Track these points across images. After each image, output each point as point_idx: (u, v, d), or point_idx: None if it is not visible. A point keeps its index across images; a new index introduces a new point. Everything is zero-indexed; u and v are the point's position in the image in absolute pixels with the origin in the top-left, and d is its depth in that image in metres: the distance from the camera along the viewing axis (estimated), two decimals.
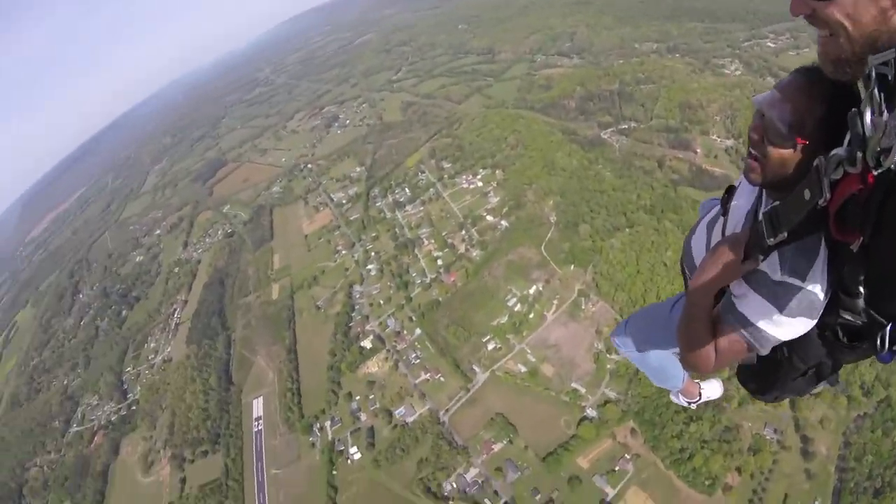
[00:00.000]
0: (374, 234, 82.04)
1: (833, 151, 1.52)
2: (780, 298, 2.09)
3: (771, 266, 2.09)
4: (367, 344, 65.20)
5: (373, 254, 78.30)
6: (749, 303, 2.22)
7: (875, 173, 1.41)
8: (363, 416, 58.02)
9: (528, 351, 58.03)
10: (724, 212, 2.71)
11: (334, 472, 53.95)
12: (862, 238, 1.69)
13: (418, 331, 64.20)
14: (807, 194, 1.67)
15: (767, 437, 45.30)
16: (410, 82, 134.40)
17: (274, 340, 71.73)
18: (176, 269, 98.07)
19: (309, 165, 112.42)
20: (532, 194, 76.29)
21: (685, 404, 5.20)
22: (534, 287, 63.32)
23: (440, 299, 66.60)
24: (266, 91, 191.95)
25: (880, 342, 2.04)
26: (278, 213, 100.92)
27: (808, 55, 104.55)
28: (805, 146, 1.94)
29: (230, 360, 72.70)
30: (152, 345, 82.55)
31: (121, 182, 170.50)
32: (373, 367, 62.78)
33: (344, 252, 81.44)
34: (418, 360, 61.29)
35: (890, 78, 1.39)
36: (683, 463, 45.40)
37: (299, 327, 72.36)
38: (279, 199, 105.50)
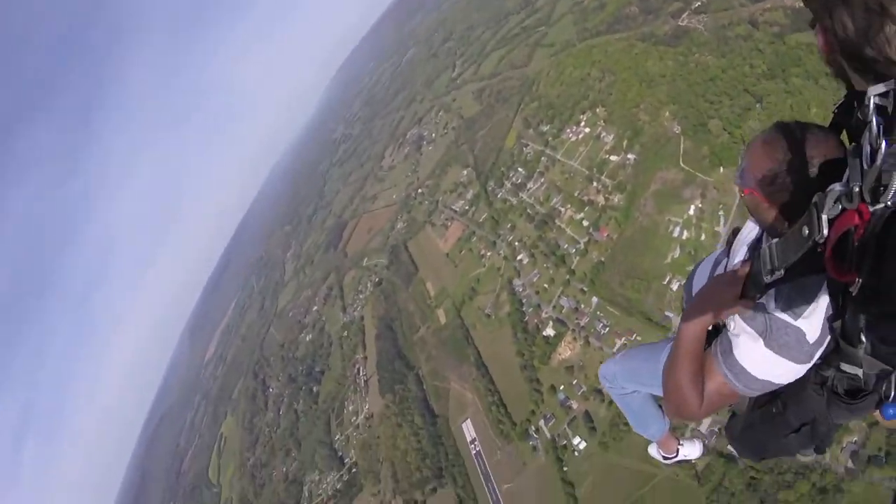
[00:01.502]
0: (509, 225, 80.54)
1: (830, 187, 1.48)
2: (768, 334, 2.01)
3: (766, 302, 2.02)
4: (549, 332, 63.82)
5: (517, 243, 76.72)
6: (739, 341, 2.12)
7: (871, 209, 1.38)
8: (574, 404, 56.65)
9: None
10: (728, 250, 2.69)
11: (565, 469, 53.33)
12: (859, 279, 1.55)
13: (595, 299, 61.79)
14: (805, 231, 1.59)
15: None
16: (470, 71, 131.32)
17: (459, 362, 72.51)
18: (345, 333, 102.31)
19: (419, 190, 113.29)
20: (644, 114, 71.21)
21: (660, 459, 4.83)
22: (692, 207, 58.92)
23: (602, 259, 63.92)
24: (349, 146, 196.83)
25: (886, 390, 1.90)
26: (412, 245, 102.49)
27: None
28: (750, 197, 2.05)
29: (426, 396, 74.46)
30: (350, 407, 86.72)
31: (264, 280, 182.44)
32: (564, 352, 61.30)
33: (489, 254, 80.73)
34: (607, 329, 58.69)
35: (889, 110, 1.36)
36: None
37: (478, 341, 72.36)
38: (407, 232, 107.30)
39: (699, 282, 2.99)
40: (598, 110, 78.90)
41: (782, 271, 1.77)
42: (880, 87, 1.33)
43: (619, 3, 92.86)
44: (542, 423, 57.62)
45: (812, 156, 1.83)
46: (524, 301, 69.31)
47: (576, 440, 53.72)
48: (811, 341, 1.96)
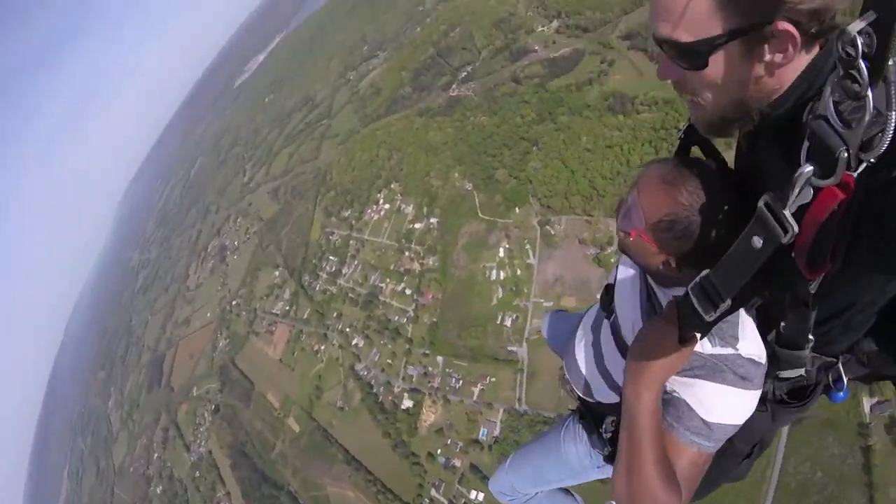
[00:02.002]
0: (335, 314, 77.66)
1: (799, 171, 1.19)
2: (723, 373, 1.73)
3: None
4: (407, 403, 61.95)
5: (348, 329, 74.00)
6: (696, 396, 1.77)
7: (856, 174, 1.16)
8: (457, 462, 55.09)
9: (541, 300, 56.55)
10: (609, 312, 2.32)
11: None
12: (830, 266, 1.36)
13: (440, 358, 61.32)
14: (756, 243, 1.29)
15: None
16: (262, 173, 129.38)
17: (329, 464, 67.37)
18: (197, 474, 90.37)
19: (234, 302, 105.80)
20: (436, 180, 74.46)
21: None
22: (501, 249, 61.93)
23: (434, 320, 64.02)
24: (149, 272, 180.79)
25: (833, 378, 1.85)
26: (241, 360, 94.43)
27: None
28: (638, 240, 1.78)
29: None
30: None
31: (92, 438, 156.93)
32: (428, 417, 59.65)
33: (323, 348, 76.76)
34: (460, 382, 58.45)
35: (864, 50, 1.05)
36: None
37: (340, 437, 67.92)
38: (232, 349, 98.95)
39: (581, 352, 2.53)
40: (393, 186, 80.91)
41: (728, 302, 1.44)
42: (860, 24, 1.06)
43: (393, 87, 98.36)
44: (433, 492, 54.95)
45: (724, 200, 1.60)
46: (372, 383, 66.69)
47: (472, 494, 52.20)
48: (763, 361, 1.74)
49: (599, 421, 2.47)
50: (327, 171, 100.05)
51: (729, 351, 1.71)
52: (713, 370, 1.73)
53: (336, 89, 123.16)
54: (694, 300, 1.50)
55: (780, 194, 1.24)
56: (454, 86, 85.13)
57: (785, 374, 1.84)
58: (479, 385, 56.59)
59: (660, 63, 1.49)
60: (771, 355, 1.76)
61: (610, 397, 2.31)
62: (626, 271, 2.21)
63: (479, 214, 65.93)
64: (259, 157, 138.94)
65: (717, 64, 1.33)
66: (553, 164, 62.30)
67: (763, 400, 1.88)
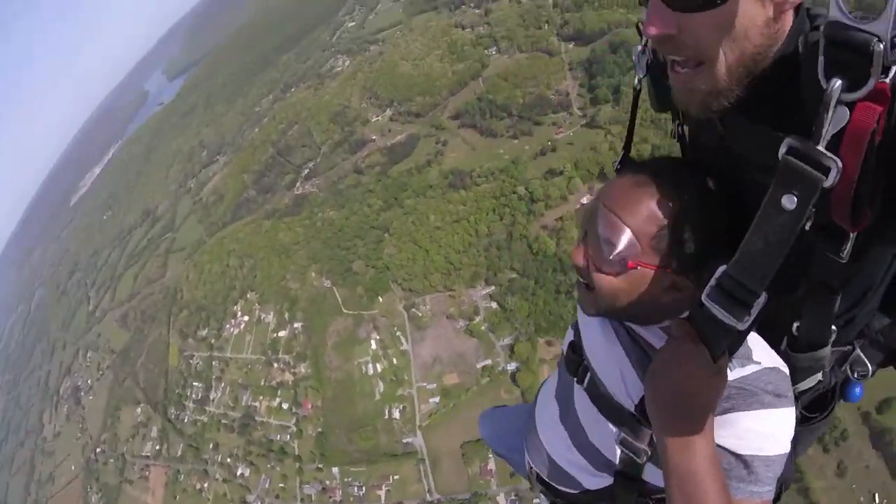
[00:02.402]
0: (212, 446, 70.38)
1: (828, 88, 0.99)
2: (755, 397, 1.38)
3: None
4: None
5: (229, 459, 67.36)
6: (734, 435, 1.36)
7: (889, 79, 0.98)
8: None
9: (424, 384, 55.89)
10: (580, 375, 1.79)
11: None
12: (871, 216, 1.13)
13: (335, 469, 57.55)
14: (788, 202, 1.06)
15: None
16: (107, 299, 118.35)
17: None
18: None
19: (98, 450, 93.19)
20: (293, 282, 71.84)
21: None
22: (372, 342, 60.40)
23: (320, 430, 60.27)
24: None
25: (849, 370, 1.64)
26: None
27: (387, 9, 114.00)
28: (640, 271, 1.39)
29: None
30: None
31: None
32: None
33: (206, 485, 69.02)
34: (363, 489, 55.24)
35: None
36: None
37: None
38: (107, 500, 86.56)
39: (550, 432, 1.98)
40: (249, 296, 76.86)
41: (763, 296, 1.15)
42: None
43: (236, 192, 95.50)
44: None
45: (703, 182, 1.41)
46: None
47: None
48: (786, 369, 1.43)
49: None
50: (177, 288, 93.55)
51: (752, 369, 1.37)
52: (745, 397, 1.36)
53: (177, 199, 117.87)
54: (715, 309, 1.20)
55: (802, 136, 1.05)
56: (298, 184, 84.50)
57: (802, 385, 1.57)
58: (383, 487, 53.93)
59: (650, 16, 1.20)
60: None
61: (599, 481, 1.81)
62: (591, 320, 1.74)
63: (344, 310, 63.98)
64: (102, 281, 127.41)
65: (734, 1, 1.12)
66: (407, 247, 62.50)
67: None
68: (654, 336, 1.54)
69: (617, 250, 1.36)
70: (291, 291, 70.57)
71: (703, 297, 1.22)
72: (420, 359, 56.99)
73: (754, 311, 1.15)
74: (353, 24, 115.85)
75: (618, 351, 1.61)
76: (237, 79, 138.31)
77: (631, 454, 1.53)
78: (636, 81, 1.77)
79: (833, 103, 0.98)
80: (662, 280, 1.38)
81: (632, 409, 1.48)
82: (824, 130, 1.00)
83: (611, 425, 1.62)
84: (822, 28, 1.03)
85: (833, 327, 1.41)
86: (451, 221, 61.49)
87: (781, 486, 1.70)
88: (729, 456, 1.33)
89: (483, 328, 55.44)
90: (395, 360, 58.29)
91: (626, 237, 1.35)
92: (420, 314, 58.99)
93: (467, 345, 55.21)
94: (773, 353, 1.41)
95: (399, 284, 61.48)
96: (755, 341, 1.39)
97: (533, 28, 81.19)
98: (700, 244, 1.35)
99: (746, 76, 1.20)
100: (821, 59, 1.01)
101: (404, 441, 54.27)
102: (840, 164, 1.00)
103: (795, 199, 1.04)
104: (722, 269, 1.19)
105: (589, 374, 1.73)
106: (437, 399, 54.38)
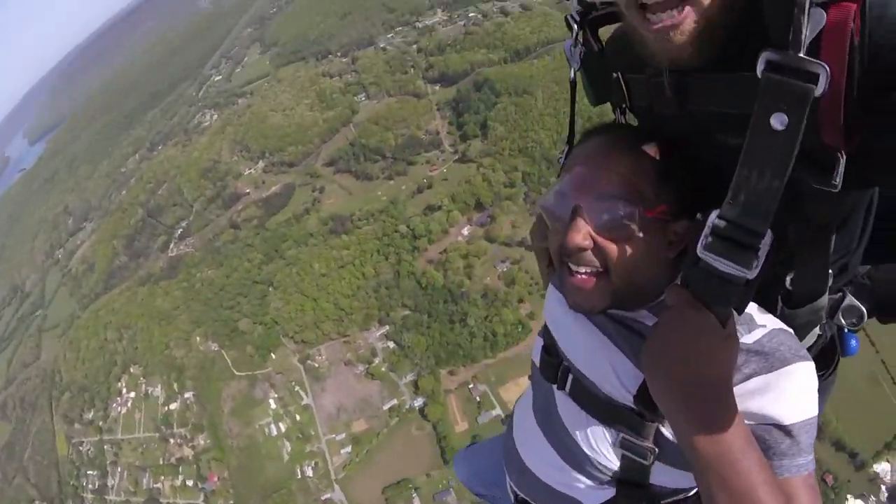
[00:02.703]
0: None
1: None
2: (777, 357, 1.24)
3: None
4: None
5: None
6: (766, 402, 1.20)
7: None
8: None
9: (332, 435, 54.20)
10: (560, 381, 1.52)
11: None
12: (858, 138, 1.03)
13: None
14: (778, 122, 0.94)
15: None
16: None
17: None
18: None
19: None
20: (178, 350, 67.69)
21: None
22: (271, 400, 58.06)
23: (231, 502, 56.45)
24: None
25: (846, 319, 1.52)
26: None
27: (254, 61, 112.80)
28: (655, 219, 1.27)
29: None
30: None
31: None
32: None
33: None
34: None
35: None
36: None
37: None
38: None
39: (530, 448, 1.68)
40: (133, 370, 71.31)
41: (769, 235, 1.01)
42: None
43: (106, 259, 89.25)
44: None
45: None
46: None
47: None
48: (791, 329, 1.30)
49: None
50: (55, 370, 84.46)
51: (760, 332, 1.23)
52: (766, 359, 1.21)
53: (45, 272, 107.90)
54: (717, 261, 1.05)
55: (779, 48, 0.95)
56: (172, 245, 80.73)
57: (803, 343, 1.43)
58: None
59: None
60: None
61: (600, 494, 1.51)
62: (561, 315, 1.52)
63: (236, 372, 61.09)
64: None
65: None
66: (294, 298, 61.03)
67: None
68: (645, 317, 1.39)
69: (619, 207, 1.26)
70: (177, 360, 66.42)
71: (699, 251, 1.07)
72: (324, 411, 55.38)
73: (762, 253, 1.01)
74: (220, 77, 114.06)
75: (604, 342, 1.41)
76: (101, 139, 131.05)
77: (635, 457, 1.34)
78: (571, 74, 1.68)
79: (807, 5, 0.90)
80: (666, 232, 1.30)
81: (630, 403, 1.30)
82: (803, 36, 0.91)
83: (606, 428, 1.41)
84: None
85: (830, 271, 1.35)
86: (336, 267, 61.02)
87: None
88: (766, 429, 1.18)
89: (383, 369, 54.98)
90: (298, 417, 56.23)
91: (625, 188, 1.27)
92: (317, 365, 57.57)
93: (370, 388, 54.45)
94: (771, 315, 1.32)
95: (290, 338, 59.76)
96: (750, 307, 1.26)
97: (399, 73, 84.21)
98: (686, 186, 1.31)
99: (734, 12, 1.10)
100: None
101: (323, 498, 52.06)
102: (828, 68, 0.90)
103: (786, 116, 0.94)
104: (715, 213, 1.06)
105: (571, 376, 1.51)
106: (348, 449, 52.94)
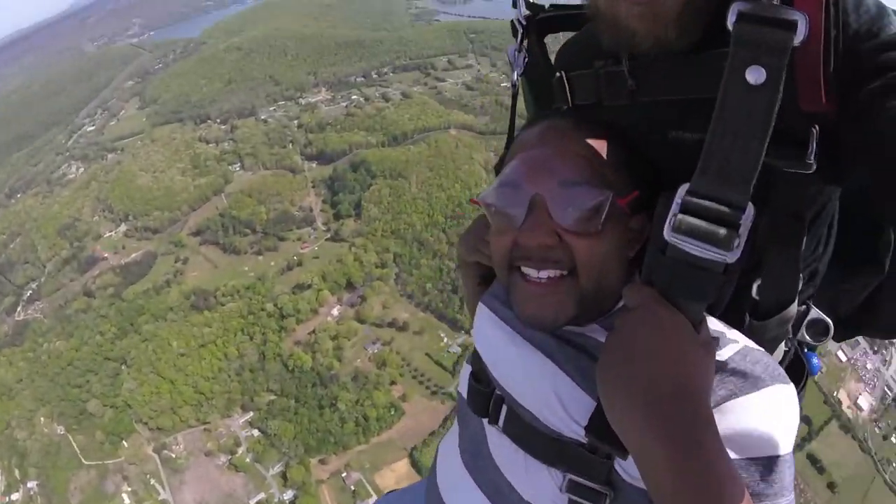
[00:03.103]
0: None
1: None
2: (753, 377, 1.01)
3: None
4: None
5: None
6: (738, 428, 0.93)
7: None
8: None
9: None
10: (492, 415, 1.26)
11: None
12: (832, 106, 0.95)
13: None
14: (755, 76, 0.81)
15: None
16: None
17: None
18: None
19: None
20: (20, 431, 57.93)
21: None
22: (123, 495, 51.66)
23: None
24: None
25: (810, 335, 1.38)
26: None
27: (130, 116, 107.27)
28: (623, 208, 1.06)
29: None
30: None
31: None
32: None
33: None
34: None
35: None
36: None
37: None
38: None
39: (504, 456, 1.28)
40: None
41: (751, 207, 0.82)
42: None
43: None
44: None
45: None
46: None
47: None
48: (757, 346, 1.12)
49: None
50: None
51: (733, 348, 1.02)
52: (746, 378, 0.98)
53: None
54: (689, 245, 0.84)
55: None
56: (20, 308, 72.31)
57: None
58: None
59: None
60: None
61: None
62: (492, 336, 1.30)
63: (84, 461, 54.31)
64: None
65: None
66: (149, 379, 56.27)
67: None
68: (595, 332, 1.15)
69: (596, 188, 1.05)
70: (19, 442, 57.92)
71: (667, 234, 0.86)
72: None
73: (743, 230, 0.82)
74: (93, 128, 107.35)
75: (545, 365, 1.15)
76: None
77: (585, 502, 1.06)
78: (514, 78, 1.59)
79: None
80: (627, 221, 1.09)
81: (580, 437, 1.05)
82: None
83: (549, 469, 1.13)
84: None
85: (800, 275, 1.20)
86: (196, 346, 57.24)
87: None
88: (743, 464, 0.91)
89: (248, 460, 51.11)
90: None
91: (593, 170, 1.07)
92: (174, 455, 52.48)
93: (234, 482, 50.26)
94: (738, 331, 1.11)
95: (145, 424, 54.47)
96: (715, 322, 1.08)
97: (278, 146, 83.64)
98: (647, 175, 1.15)
99: None
100: None
101: None
102: (806, 16, 0.81)
103: (764, 70, 0.81)
104: (684, 187, 0.87)
105: (506, 408, 1.24)
106: None
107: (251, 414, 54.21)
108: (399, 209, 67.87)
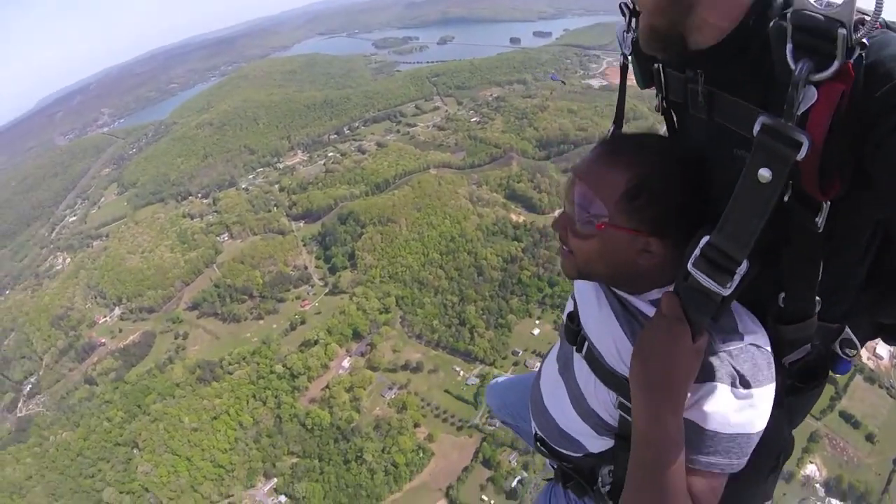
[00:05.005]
0: None
1: (797, 69, 1.07)
2: (725, 371, 1.37)
3: None
4: None
5: None
6: (708, 406, 1.36)
7: (853, 59, 1.07)
8: None
9: None
10: (579, 344, 1.76)
11: None
12: (839, 187, 1.18)
13: None
14: (764, 175, 1.12)
15: None
16: None
17: None
18: None
19: None
20: None
21: None
22: None
23: None
24: None
25: (841, 349, 1.61)
26: None
27: (111, 202, 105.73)
28: (609, 231, 1.45)
29: None
30: None
31: None
32: None
33: None
34: None
35: None
36: None
37: None
38: None
39: (553, 397, 1.95)
40: None
41: (746, 264, 1.21)
42: None
43: None
44: None
45: (676, 151, 1.50)
46: None
47: None
48: (768, 347, 1.41)
49: (591, 478, 1.90)
50: None
51: (735, 344, 1.36)
52: (723, 370, 1.35)
53: None
54: (701, 276, 1.27)
55: (776, 114, 1.11)
56: (21, 404, 68.67)
57: (791, 357, 1.55)
58: None
59: None
60: (774, 343, 1.44)
61: (601, 443, 1.77)
62: (586, 292, 1.75)
63: None
64: None
65: None
66: (164, 459, 53.31)
67: (777, 399, 1.46)
68: (647, 306, 1.53)
69: (586, 213, 1.45)
70: None
71: (689, 266, 1.27)
72: None
73: (737, 277, 1.20)
74: (75, 218, 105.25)
75: (611, 321, 1.59)
76: None
77: (629, 417, 1.48)
78: (622, 58, 1.75)
79: (801, 84, 1.04)
80: (633, 242, 1.42)
81: (626, 376, 1.44)
82: (795, 109, 1.06)
83: (608, 391, 1.61)
84: (789, 15, 1.09)
85: (818, 299, 1.41)
86: (209, 419, 54.52)
87: (780, 457, 1.75)
88: (691, 427, 1.34)
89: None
90: None
91: (593, 200, 1.43)
92: None
93: None
94: (759, 328, 1.41)
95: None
96: (743, 316, 1.41)
97: (263, 211, 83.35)
98: (668, 209, 1.38)
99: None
100: (789, 44, 1.07)
101: None
102: (810, 139, 1.05)
103: (770, 172, 1.10)
104: (706, 239, 1.25)
105: (587, 343, 1.70)
106: None
107: (275, 480, 51.43)
108: (393, 253, 67.06)
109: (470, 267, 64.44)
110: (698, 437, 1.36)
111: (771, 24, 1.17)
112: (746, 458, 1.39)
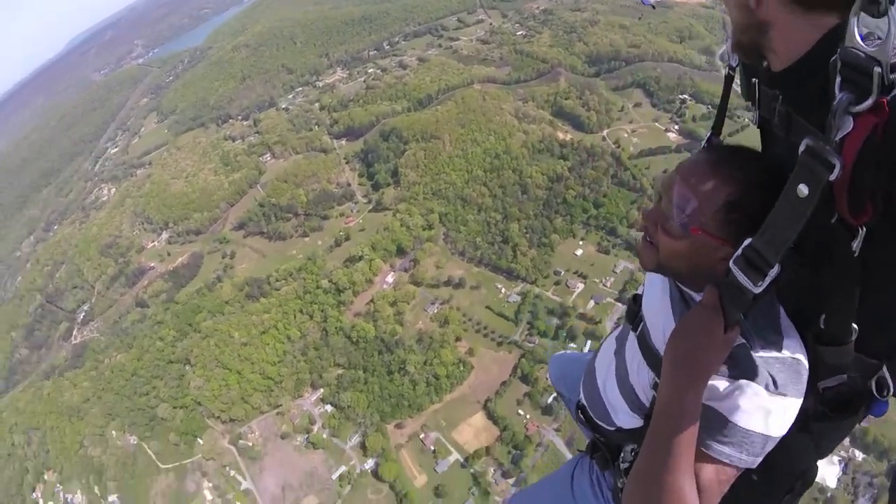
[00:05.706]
0: None
1: (836, 100, 1.19)
2: (763, 375, 1.49)
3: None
4: None
5: None
6: (733, 399, 1.49)
7: (890, 97, 1.17)
8: None
9: None
10: (635, 324, 2.01)
11: None
12: (872, 212, 1.29)
13: None
14: (802, 190, 1.23)
15: None
16: None
17: None
18: None
19: None
20: (95, 447, 57.67)
21: None
22: (206, 491, 50.73)
23: None
24: None
25: (877, 388, 1.65)
26: None
27: (151, 131, 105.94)
28: (701, 237, 1.52)
29: None
30: None
31: None
32: None
33: None
34: None
35: None
36: None
37: None
38: None
39: (604, 377, 2.20)
40: (47, 477, 60.01)
41: (777, 267, 1.33)
42: None
43: (4, 354, 78.30)
44: None
45: (771, 168, 1.53)
46: None
47: None
48: (805, 363, 1.51)
49: (615, 454, 2.13)
50: None
51: (773, 353, 1.49)
52: (756, 371, 1.48)
53: None
54: (738, 273, 1.40)
55: (820, 136, 1.22)
56: (75, 331, 72.11)
57: (826, 382, 1.62)
58: None
59: None
60: (812, 364, 1.53)
61: (632, 420, 1.99)
62: (656, 278, 1.93)
63: (161, 466, 53.19)
64: None
65: None
66: (215, 374, 54.93)
67: (805, 422, 1.61)
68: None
69: (685, 215, 1.51)
70: (94, 459, 56.75)
71: (731, 263, 1.39)
72: (267, 493, 48.96)
73: (768, 278, 1.32)
74: (117, 149, 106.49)
75: (667, 307, 1.77)
76: None
77: None
78: (727, 69, 1.87)
79: (840, 113, 1.16)
80: (718, 251, 1.49)
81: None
82: (833, 134, 1.18)
83: (648, 371, 1.81)
84: (838, 51, 1.19)
85: (854, 326, 1.47)
86: (258, 334, 55.61)
87: (799, 482, 1.85)
88: (711, 413, 1.47)
89: (325, 436, 49.76)
90: (238, 503, 49.18)
91: (694, 205, 1.49)
92: (251, 444, 51.34)
93: (314, 459, 49.11)
94: (802, 349, 1.51)
95: (217, 418, 53.11)
96: (791, 335, 1.51)
97: (304, 130, 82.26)
98: (756, 226, 1.40)
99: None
100: (838, 77, 1.18)
101: None
102: (840, 163, 1.16)
103: (806, 188, 1.21)
104: (748, 241, 1.36)
105: (643, 324, 1.92)
106: None
107: (322, 391, 52.49)
108: (437, 170, 65.29)
109: (514, 185, 62.49)
110: (719, 424, 1.47)
111: (833, 57, 1.24)
112: (758, 460, 1.48)
